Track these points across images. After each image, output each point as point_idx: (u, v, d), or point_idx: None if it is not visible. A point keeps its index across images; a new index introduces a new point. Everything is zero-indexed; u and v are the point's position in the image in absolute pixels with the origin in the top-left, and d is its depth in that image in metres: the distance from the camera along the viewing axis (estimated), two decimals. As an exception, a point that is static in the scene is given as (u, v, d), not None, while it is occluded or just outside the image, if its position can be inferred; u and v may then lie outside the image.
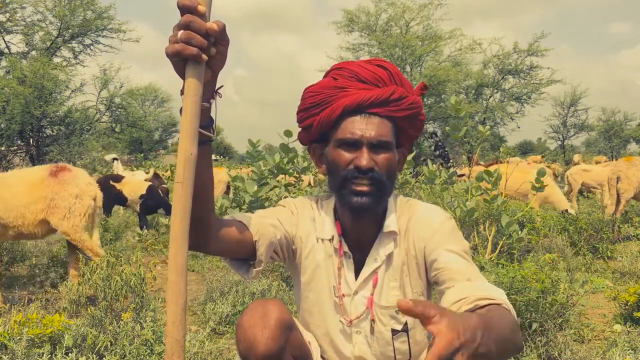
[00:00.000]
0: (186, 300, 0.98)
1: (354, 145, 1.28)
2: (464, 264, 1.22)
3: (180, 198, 0.98)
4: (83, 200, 3.69)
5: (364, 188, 1.26)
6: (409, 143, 1.40)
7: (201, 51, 0.97)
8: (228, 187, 9.81)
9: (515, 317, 1.08)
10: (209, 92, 1.08)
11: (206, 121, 1.11)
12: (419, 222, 1.33)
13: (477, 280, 1.17)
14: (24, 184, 3.62)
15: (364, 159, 1.26)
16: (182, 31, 0.96)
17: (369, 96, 1.28)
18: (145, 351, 2.52)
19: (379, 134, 1.28)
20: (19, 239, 3.85)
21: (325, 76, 1.40)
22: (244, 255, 1.32)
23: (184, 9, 0.96)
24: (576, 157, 19.81)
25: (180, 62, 0.99)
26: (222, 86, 1.11)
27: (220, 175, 9.78)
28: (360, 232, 1.37)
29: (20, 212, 3.54)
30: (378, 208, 1.33)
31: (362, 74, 1.31)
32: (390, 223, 1.35)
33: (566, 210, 7.08)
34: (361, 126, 1.28)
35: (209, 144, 1.14)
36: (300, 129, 1.44)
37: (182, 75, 1.00)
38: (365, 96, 1.28)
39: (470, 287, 1.13)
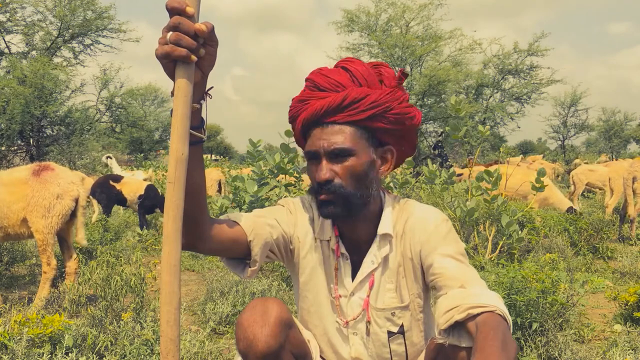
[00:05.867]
0: (180, 300, 0.99)
1: (316, 157, 1.28)
2: (459, 268, 1.21)
3: (173, 198, 0.99)
4: (64, 200, 3.64)
5: (325, 197, 1.27)
6: (394, 138, 1.34)
7: (190, 52, 0.98)
8: (220, 186, 9.87)
9: (509, 321, 1.08)
10: (200, 93, 1.09)
11: (197, 122, 1.11)
12: (415, 224, 1.32)
13: (471, 285, 1.15)
14: (7, 184, 3.59)
15: (321, 171, 1.26)
16: (171, 32, 0.97)
17: (320, 106, 1.26)
18: (146, 351, 2.52)
19: (333, 142, 1.25)
20: (8, 240, 3.83)
21: None
22: (239, 255, 1.32)
23: (172, 11, 0.97)
24: (577, 161, 19.82)
25: (170, 63, 1.00)
26: (212, 87, 1.12)
27: (212, 174, 9.83)
28: (356, 234, 1.36)
29: (4, 212, 3.51)
30: (352, 213, 1.29)
31: (320, 83, 1.29)
32: (385, 225, 1.34)
33: (571, 208, 7.04)
34: (320, 137, 1.27)
35: (200, 144, 1.14)
36: None
37: (172, 76, 1.01)
38: (317, 107, 1.26)
39: (462, 294, 1.12)
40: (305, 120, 1.29)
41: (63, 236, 3.87)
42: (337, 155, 1.26)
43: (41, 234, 3.56)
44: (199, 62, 1.02)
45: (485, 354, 0.96)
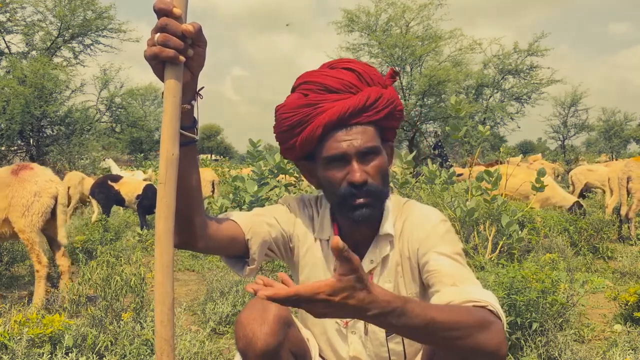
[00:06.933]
0: (173, 300, 0.99)
1: (342, 160, 1.26)
2: (454, 266, 1.20)
3: (164, 198, 0.99)
4: (42, 198, 3.65)
5: (362, 201, 1.25)
6: (392, 134, 1.38)
7: (178, 53, 0.98)
8: (213, 187, 9.89)
9: (503, 320, 1.06)
10: (190, 93, 1.09)
11: (189, 122, 1.12)
12: (413, 224, 1.32)
13: (465, 283, 1.15)
14: None
15: (356, 173, 1.23)
16: (158, 34, 0.98)
17: (346, 109, 1.24)
18: (146, 351, 2.52)
19: (364, 142, 1.25)
20: None
21: (292, 91, 1.35)
22: (237, 253, 1.33)
23: (159, 12, 0.97)
24: (581, 161, 19.82)
25: (158, 64, 1.00)
26: (202, 87, 1.12)
27: (206, 174, 9.82)
28: (357, 234, 1.36)
29: None
30: (378, 213, 1.32)
31: (330, 85, 1.27)
32: (387, 225, 1.34)
33: (577, 203, 7.00)
34: (346, 139, 1.25)
35: (193, 144, 1.15)
36: (281, 147, 1.40)
37: (162, 78, 1.01)
38: (342, 109, 1.24)
39: (455, 291, 1.11)
40: (330, 122, 1.25)
41: (50, 235, 3.88)
42: (367, 154, 1.26)
43: (24, 233, 3.60)
44: (188, 63, 1.03)
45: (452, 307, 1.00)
